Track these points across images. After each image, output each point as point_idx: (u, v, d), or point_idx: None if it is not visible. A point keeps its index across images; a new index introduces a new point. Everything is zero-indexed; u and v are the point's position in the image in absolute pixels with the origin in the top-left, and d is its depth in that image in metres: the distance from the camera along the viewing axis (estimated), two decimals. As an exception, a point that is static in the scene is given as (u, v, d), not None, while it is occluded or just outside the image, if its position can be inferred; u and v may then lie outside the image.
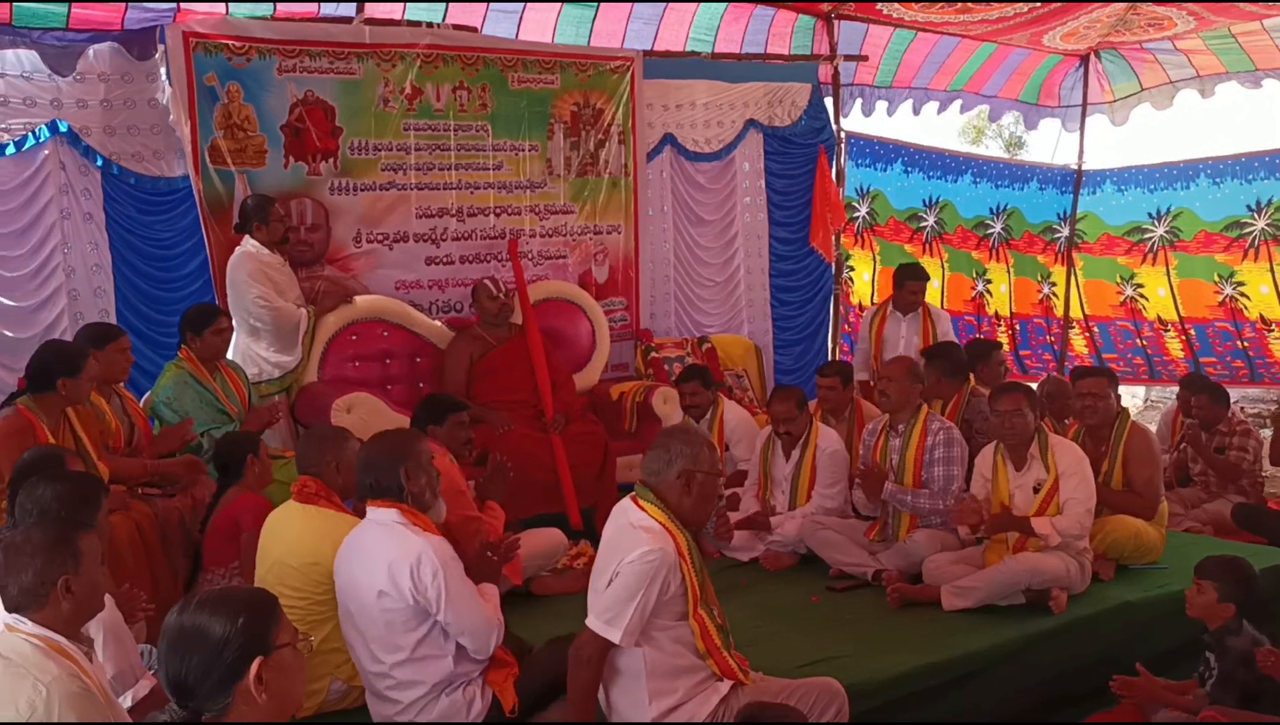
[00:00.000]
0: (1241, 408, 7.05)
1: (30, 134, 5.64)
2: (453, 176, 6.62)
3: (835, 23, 8.30)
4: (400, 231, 6.51)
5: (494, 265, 6.74)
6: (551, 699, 3.26)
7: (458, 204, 6.66)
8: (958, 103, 9.65)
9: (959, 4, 7.77)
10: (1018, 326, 10.19)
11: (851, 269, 9.19)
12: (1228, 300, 9.18)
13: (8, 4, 5.46)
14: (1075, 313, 10.12)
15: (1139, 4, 7.99)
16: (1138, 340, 9.85)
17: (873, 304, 9.33)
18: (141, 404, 5.29)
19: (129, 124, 5.84)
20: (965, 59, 9.27)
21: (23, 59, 5.57)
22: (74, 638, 2.57)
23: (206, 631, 1.94)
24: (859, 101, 8.97)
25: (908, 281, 7.15)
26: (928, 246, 9.60)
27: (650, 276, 7.56)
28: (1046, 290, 10.13)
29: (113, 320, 5.80)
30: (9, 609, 2.56)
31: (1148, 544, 4.92)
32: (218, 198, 5.90)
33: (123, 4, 5.74)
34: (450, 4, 6.82)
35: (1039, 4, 7.86)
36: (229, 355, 5.52)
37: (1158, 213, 9.47)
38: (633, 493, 3.28)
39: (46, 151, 5.70)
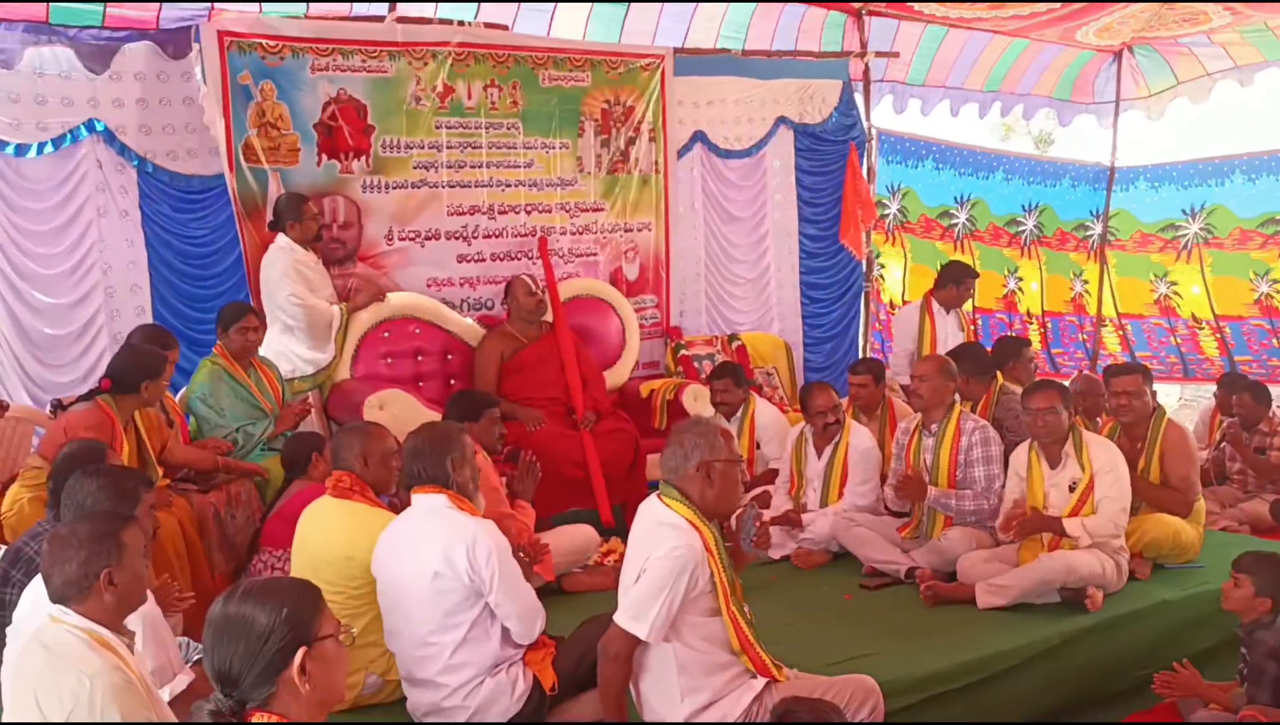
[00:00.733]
0: (1278, 407, 6.95)
1: (68, 133, 5.71)
2: (484, 174, 6.64)
3: (866, 19, 8.27)
4: (432, 229, 6.53)
5: (525, 263, 6.75)
6: (590, 677, 3.27)
7: (489, 202, 6.68)
8: (997, 105, 9.60)
9: (992, 0, 7.72)
10: (1049, 324, 10.12)
11: (882, 266, 9.16)
12: (1263, 297, 9.09)
13: (45, 3, 5.53)
14: (1108, 310, 10.03)
15: (1174, 1, 7.89)
16: (1172, 338, 9.75)
17: (904, 303, 9.30)
18: (177, 399, 5.34)
19: (164, 122, 5.90)
20: (998, 56, 9.21)
21: (60, 57, 5.64)
22: (117, 630, 2.60)
23: (252, 621, 1.96)
24: (890, 98, 8.93)
25: (965, 277, 7.07)
26: (959, 244, 9.55)
27: (680, 274, 7.56)
28: (1079, 288, 10.06)
29: (148, 317, 5.87)
30: (53, 600, 2.59)
31: (1185, 543, 4.87)
32: (251, 196, 5.93)
33: (158, 3, 5.80)
34: (482, 3, 6.84)
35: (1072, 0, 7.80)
36: (262, 352, 5.56)
37: (1192, 209, 9.38)
38: (657, 491, 3.28)
39: (83, 150, 5.77)
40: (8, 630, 3.03)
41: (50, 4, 5.54)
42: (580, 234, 7.03)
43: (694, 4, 7.51)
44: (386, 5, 6.46)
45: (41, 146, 5.65)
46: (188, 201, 5.98)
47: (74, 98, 5.70)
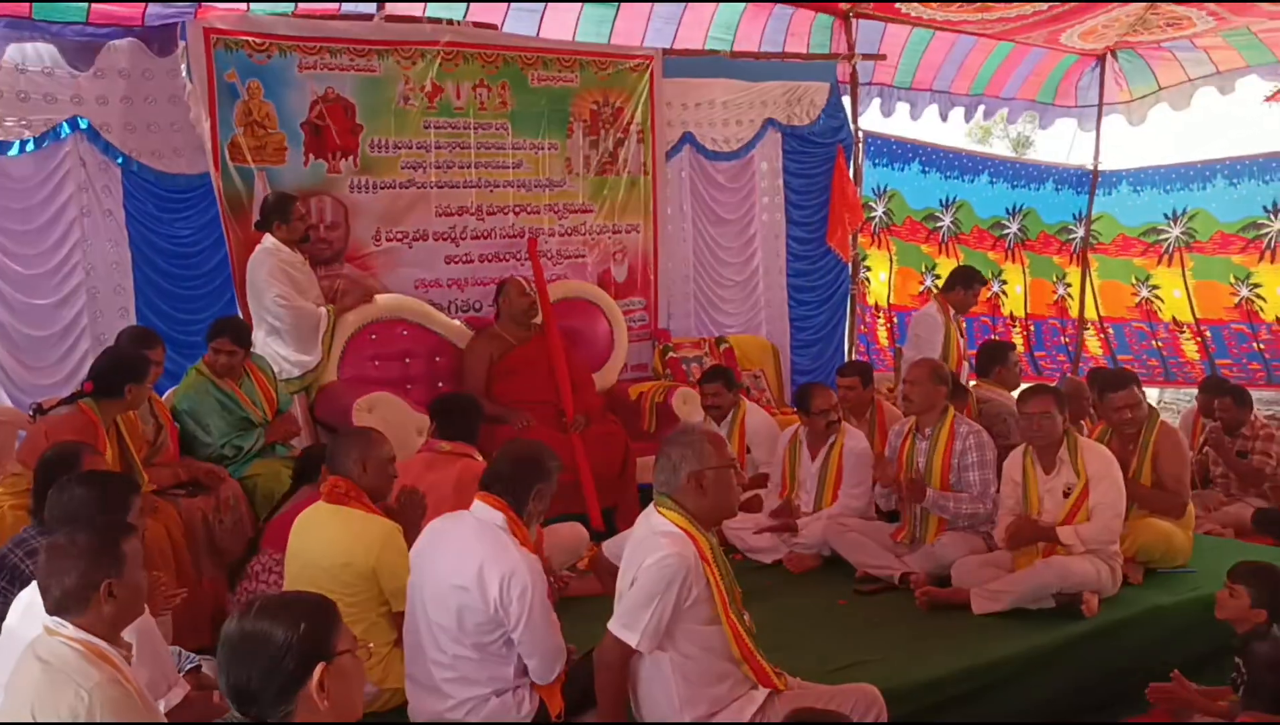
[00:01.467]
0: (1258, 412, 7.00)
1: (51, 130, 5.63)
2: (472, 175, 6.59)
3: (853, 21, 8.29)
4: (420, 230, 6.48)
5: (513, 264, 6.71)
6: (593, 704, 3.24)
7: (477, 202, 6.63)
8: (981, 108, 9.64)
9: (978, 2, 7.73)
10: (1032, 327, 10.17)
11: (868, 269, 9.17)
12: (1244, 302, 9.13)
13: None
14: (1090, 314, 10.08)
15: (1159, 3, 7.93)
16: (1153, 342, 9.81)
17: (889, 306, 9.34)
18: (165, 401, 5.27)
19: (149, 121, 5.83)
20: (983, 59, 9.25)
21: (43, 53, 5.57)
22: (114, 642, 2.55)
23: (269, 638, 1.92)
24: (877, 101, 8.94)
25: (975, 282, 7.08)
26: (944, 247, 9.58)
27: (669, 276, 7.53)
28: (1061, 291, 10.10)
29: (132, 318, 5.80)
30: (50, 611, 2.54)
31: (1177, 547, 4.90)
32: (237, 195, 5.87)
33: (143, 1, 5.71)
34: (471, 2, 6.80)
35: (1058, 2, 7.82)
36: (257, 349, 5.50)
37: (1174, 213, 9.42)
38: (654, 501, 3.25)
39: (67, 148, 5.69)
40: None
41: (33, 0, 5.45)
42: (568, 235, 7.00)
43: (683, 4, 7.49)
44: (375, 4, 6.39)
45: (24, 144, 5.58)
46: (173, 201, 5.91)
47: (57, 95, 5.63)
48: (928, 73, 9.12)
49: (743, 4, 7.74)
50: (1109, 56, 9.66)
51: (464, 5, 6.77)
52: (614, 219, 7.16)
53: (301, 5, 6.25)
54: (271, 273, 5.64)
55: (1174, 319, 9.59)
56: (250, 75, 5.85)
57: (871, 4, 8.11)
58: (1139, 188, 9.70)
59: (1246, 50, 8.99)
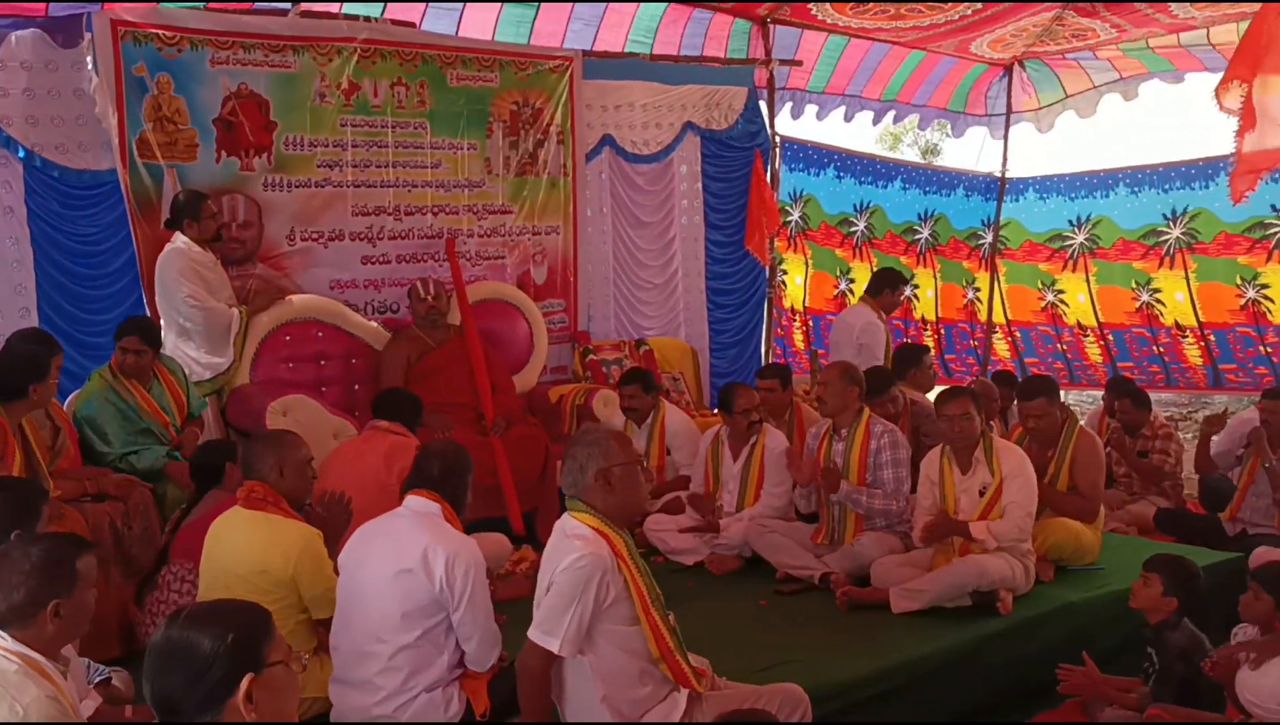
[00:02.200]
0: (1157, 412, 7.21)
1: (-53, 124, 5.39)
2: (390, 174, 6.49)
3: (771, 27, 8.36)
4: (336, 230, 6.36)
5: (431, 265, 6.63)
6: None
7: (395, 202, 6.54)
8: (891, 112, 9.80)
9: (894, 2, 7.85)
10: (943, 331, 10.37)
11: (785, 273, 9.26)
12: (1144, 306, 9.43)
13: (-77, -14, 5.23)
14: (998, 317, 10.33)
15: (1068, 4, 8.12)
16: (1058, 345, 10.08)
17: (804, 308, 9.44)
18: (65, 405, 5.10)
19: (53, 114, 5.61)
20: (895, 66, 9.41)
21: (-61, 44, 5.33)
22: (53, 657, 2.49)
23: (195, 647, 1.86)
24: (789, 105, 9.04)
25: (901, 284, 7.25)
26: (858, 251, 9.71)
27: (589, 278, 7.50)
28: (971, 295, 10.33)
29: (34, 319, 5.58)
30: None
31: (1086, 546, 5.03)
32: (145, 192, 5.70)
33: (47, -10, 5.54)
34: (389, 1, 6.70)
35: (969, 10, 7.98)
36: (167, 351, 5.34)
37: (1078, 220, 9.69)
38: (566, 506, 3.25)
39: (-36, 142, 5.46)
40: None
41: (-71, -11, 5.24)
42: (488, 236, 6.93)
43: (604, 4, 7.49)
44: (290, 1, 6.26)
45: (-81, 138, 5.34)
46: (77, 198, 5.69)
47: (-46, 87, 5.40)
48: (842, 79, 9.24)
49: (663, 5, 7.76)
50: (1016, 66, 9.91)
51: (381, 4, 6.67)
52: (534, 220, 7.11)
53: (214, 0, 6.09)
54: (182, 272, 5.48)
55: (1078, 323, 9.87)
56: (160, 69, 5.68)
57: (788, 9, 8.19)
58: (1045, 195, 9.96)
59: (1146, 60, 9.30)
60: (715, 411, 6.45)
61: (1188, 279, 9.11)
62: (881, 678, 3.98)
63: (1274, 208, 8.41)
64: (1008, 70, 9.97)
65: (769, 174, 8.34)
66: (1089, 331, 9.82)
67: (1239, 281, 8.79)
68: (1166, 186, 9.17)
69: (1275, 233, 8.50)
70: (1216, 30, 8.42)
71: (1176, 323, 9.25)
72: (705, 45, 8.25)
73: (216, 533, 3.68)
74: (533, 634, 3.07)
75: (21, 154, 5.55)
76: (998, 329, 10.35)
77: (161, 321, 5.54)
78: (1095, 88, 9.87)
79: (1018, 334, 10.29)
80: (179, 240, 5.55)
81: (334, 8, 6.49)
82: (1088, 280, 9.70)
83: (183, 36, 5.74)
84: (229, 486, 4.32)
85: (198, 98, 5.82)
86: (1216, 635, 3.84)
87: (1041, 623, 4.51)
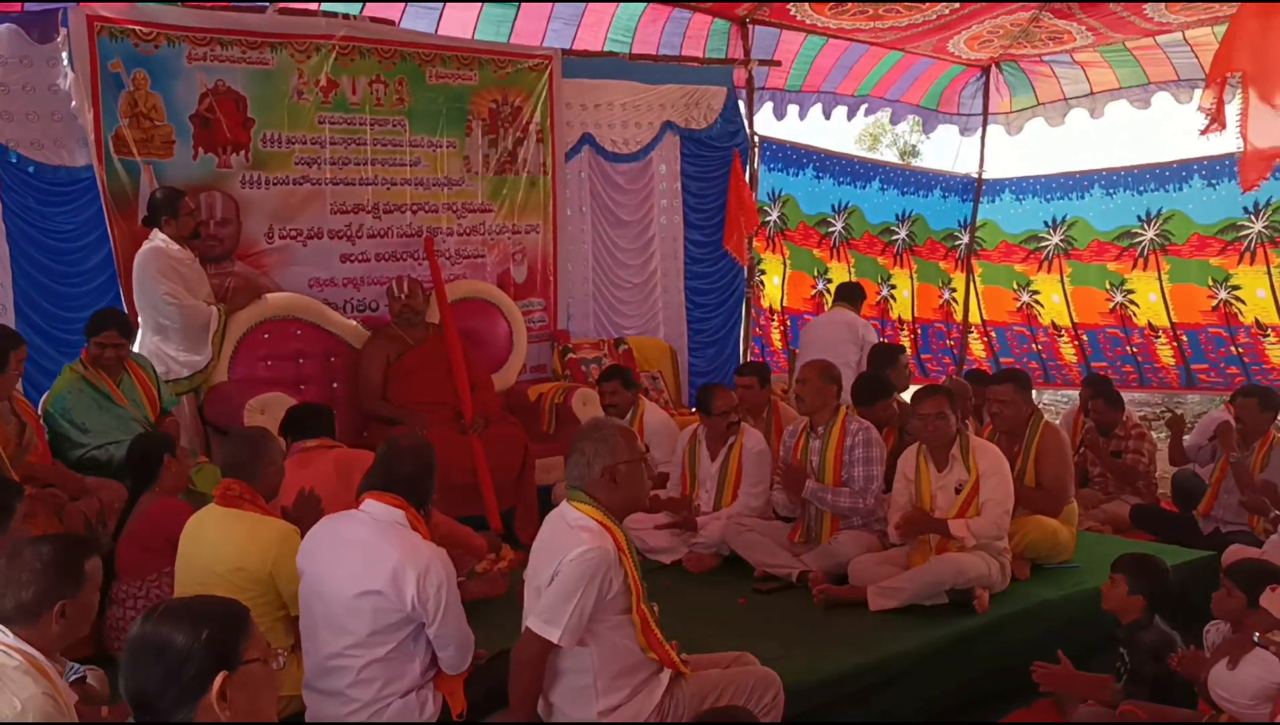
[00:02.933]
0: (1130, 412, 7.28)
1: (-79, 118, 5.35)
2: (369, 172, 6.48)
3: (750, 27, 8.38)
4: (314, 227, 6.34)
5: (410, 263, 6.62)
6: (497, 707, 3.22)
7: (374, 200, 6.53)
8: (863, 107, 9.85)
9: (872, 2, 7.89)
10: (919, 331, 10.43)
11: (763, 272, 9.29)
12: (1118, 307, 9.52)
13: (-103, -20, 5.18)
14: (974, 318, 10.40)
15: (1046, 4, 8.17)
16: (1033, 345, 10.16)
17: (781, 308, 9.48)
18: (40, 405, 5.05)
19: (28, 110, 5.56)
20: (872, 66, 9.47)
21: (-87, 39, 5.28)
22: (52, 657, 2.51)
23: (168, 643, 1.85)
24: (770, 105, 9.08)
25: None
26: (835, 252, 9.75)
27: (568, 277, 7.52)
28: (947, 296, 10.39)
29: (10, 316, 5.54)
30: None
31: (1062, 544, 5.07)
32: (122, 189, 5.68)
33: (23, -15, 5.50)
34: (368, 1, 6.69)
35: (946, 9, 8.03)
36: (135, 351, 5.31)
37: (1053, 221, 9.78)
38: (566, 496, 3.25)
39: (-62, 137, 5.41)
40: None
41: (-97, -17, 5.19)
42: (467, 235, 6.93)
43: (583, 4, 7.49)
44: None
45: (-108, 133, 5.29)
46: (53, 194, 5.64)
47: (-72, 81, 5.35)
48: (818, 78, 9.30)
49: (643, 6, 7.77)
50: (993, 68, 9.98)
51: (360, 2, 6.66)
52: (513, 219, 7.11)
53: (191, -4, 6.07)
54: (160, 270, 5.46)
55: (1053, 323, 9.96)
56: (136, 65, 5.66)
57: (768, 10, 8.21)
58: (1021, 196, 10.05)
59: (1120, 68, 9.39)
60: (694, 410, 6.47)
61: (1161, 280, 9.21)
62: (858, 675, 3.99)
63: (1246, 210, 8.51)
64: (985, 72, 10.03)
65: (748, 174, 8.37)
66: (1063, 332, 9.91)
67: (1211, 283, 8.89)
68: (1141, 189, 9.27)
69: (1247, 235, 8.60)
70: (1192, 33, 8.52)
71: (1150, 323, 9.35)
72: (684, 45, 8.27)
73: (192, 531, 3.66)
74: (533, 624, 3.05)
75: (-3, 149, 5.51)
76: (973, 329, 10.43)
77: (140, 319, 5.51)
78: (1065, 100, 9.99)
79: (993, 334, 10.36)
80: (157, 238, 5.53)
81: (312, 5, 6.49)
82: (1062, 281, 9.79)
83: (159, 32, 5.72)
84: (164, 484, 4.21)
85: (174, 94, 5.79)
86: (1190, 633, 3.88)
87: (1018, 620, 4.53)
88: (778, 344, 9.78)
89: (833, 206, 9.66)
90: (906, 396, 6.03)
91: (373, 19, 6.56)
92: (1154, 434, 7.37)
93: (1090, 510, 6.61)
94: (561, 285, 7.42)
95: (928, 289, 10.31)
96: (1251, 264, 8.63)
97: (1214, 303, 8.91)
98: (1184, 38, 8.65)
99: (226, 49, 5.92)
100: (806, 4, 8.02)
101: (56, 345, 5.55)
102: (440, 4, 6.97)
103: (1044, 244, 9.86)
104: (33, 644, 2.45)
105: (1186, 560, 5.07)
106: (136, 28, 5.65)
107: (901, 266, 10.17)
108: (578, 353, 7.26)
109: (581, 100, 7.51)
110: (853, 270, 9.82)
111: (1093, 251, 9.58)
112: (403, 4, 6.84)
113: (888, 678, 4.08)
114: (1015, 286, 10.11)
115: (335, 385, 6.16)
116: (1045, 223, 9.83)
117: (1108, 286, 9.53)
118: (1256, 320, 8.72)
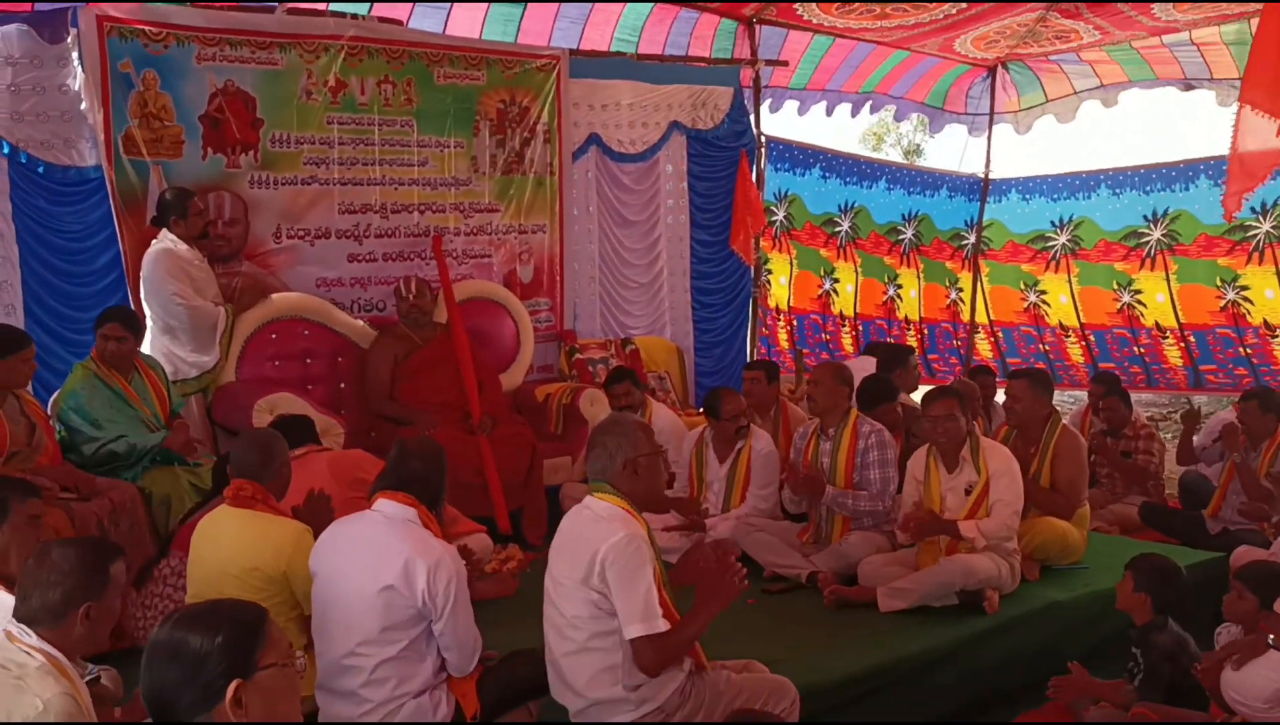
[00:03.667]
0: (1139, 413, 7.27)
1: (-69, 119, 5.34)
2: (376, 172, 6.48)
3: (757, 28, 8.37)
4: (322, 227, 6.34)
5: (418, 263, 6.62)
6: (510, 708, 3.22)
7: (381, 200, 6.52)
8: (868, 104, 9.84)
9: (878, 4, 7.88)
10: (926, 331, 10.41)
11: (769, 272, 9.28)
12: (1125, 307, 9.49)
13: (-93, -19, 5.18)
14: (981, 318, 10.38)
15: (1053, 4, 8.15)
16: (1040, 345, 10.14)
17: (788, 308, 9.48)
18: (50, 404, 5.06)
19: (38, 110, 5.54)
20: (877, 65, 9.45)
21: (-77, 39, 5.28)
22: (73, 659, 2.52)
23: (186, 647, 1.86)
24: (768, 100, 9.05)
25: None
26: (842, 251, 9.74)
27: (575, 277, 7.51)
28: (954, 296, 10.37)
29: (19, 315, 5.53)
30: (21, 618, 2.50)
31: (1072, 545, 5.07)
32: (131, 189, 5.67)
33: (32, -15, 5.50)
34: (376, 1, 6.69)
35: (954, 9, 8.02)
36: (145, 349, 5.31)
37: (1060, 221, 9.75)
38: (590, 489, 3.28)
39: (-52, 138, 5.41)
40: None
41: (-87, -16, 5.19)
42: (474, 235, 6.93)
43: (590, 3, 7.49)
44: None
45: (-98, 133, 5.29)
46: (63, 194, 5.62)
47: (-62, 82, 5.35)
48: (823, 77, 9.29)
49: (649, 6, 7.76)
50: (999, 67, 9.96)
51: (368, 2, 6.67)
52: (520, 219, 7.10)
53: (201, -3, 6.07)
54: (169, 271, 5.46)
55: (1060, 323, 9.93)
56: (146, 65, 5.66)
57: (774, 10, 8.20)
58: (1028, 196, 10.02)
59: (1128, 65, 9.37)
60: (700, 411, 6.47)
61: (1168, 280, 9.18)
62: (868, 677, 4.00)
63: (1254, 210, 8.48)
64: (991, 71, 10.02)
65: (754, 174, 8.35)
66: (1071, 332, 9.88)
67: (1219, 283, 8.86)
68: (1148, 188, 9.24)
69: (1255, 235, 8.58)
70: (1199, 32, 8.50)
71: (1157, 324, 9.32)
72: (691, 45, 8.26)
73: (204, 532, 3.67)
74: (638, 630, 3.02)
75: (6, 150, 5.49)
76: (980, 329, 10.41)
77: (148, 319, 5.51)
78: (1076, 93, 9.93)
79: (1000, 334, 10.34)
80: (165, 238, 5.52)
81: (321, 5, 6.49)
82: (1070, 281, 9.76)
83: (169, 33, 5.71)
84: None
85: (184, 94, 5.79)
86: (1201, 636, 3.88)
87: (1028, 622, 4.54)
88: (784, 344, 9.77)
89: (839, 206, 9.64)
90: (916, 397, 6.03)
91: (381, 19, 6.56)
92: (1162, 435, 7.37)
93: (1098, 511, 6.60)
94: (568, 285, 7.41)
95: (934, 289, 10.29)
96: (1260, 264, 8.61)
97: (1222, 303, 8.89)
98: (1190, 38, 8.63)
99: (236, 49, 5.92)
100: (814, 3, 8.02)
101: (65, 344, 5.55)
102: (448, 3, 6.97)
103: (1051, 244, 9.84)
104: (55, 645, 2.46)
105: (1197, 562, 5.06)
106: (146, 28, 5.65)
107: (908, 266, 10.15)
108: (584, 353, 7.26)
109: (588, 100, 7.50)
110: (860, 270, 9.82)
111: (1100, 251, 9.55)
112: (410, 3, 6.84)
113: (897, 679, 4.08)
114: (1022, 286, 10.09)
115: (342, 385, 6.16)
116: (1052, 222, 9.80)
117: (1115, 287, 9.50)
118: (1265, 321, 8.70)
